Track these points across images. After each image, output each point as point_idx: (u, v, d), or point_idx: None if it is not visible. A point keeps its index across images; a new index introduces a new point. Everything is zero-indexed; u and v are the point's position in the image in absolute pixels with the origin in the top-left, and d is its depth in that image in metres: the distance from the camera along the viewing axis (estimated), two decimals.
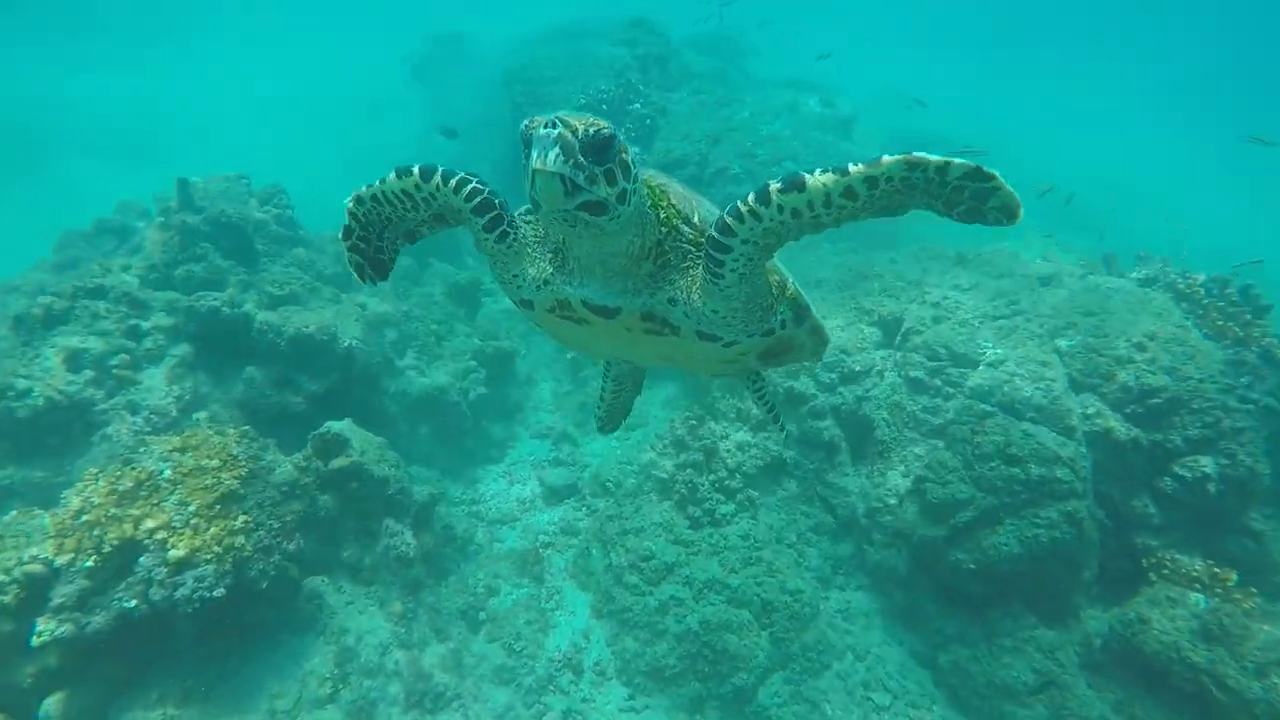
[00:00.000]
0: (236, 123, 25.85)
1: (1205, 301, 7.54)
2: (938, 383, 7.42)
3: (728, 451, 7.80)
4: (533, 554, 7.89)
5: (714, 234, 2.00)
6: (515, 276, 2.34)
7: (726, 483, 7.61)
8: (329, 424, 6.58)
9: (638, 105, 13.88)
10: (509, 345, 10.77)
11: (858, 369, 7.95)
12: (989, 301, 7.84)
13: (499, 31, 21.98)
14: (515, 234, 2.28)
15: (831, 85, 16.79)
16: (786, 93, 15.63)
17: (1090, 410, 6.84)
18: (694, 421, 8.02)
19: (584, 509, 8.70)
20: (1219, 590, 6.01)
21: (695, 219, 2.22)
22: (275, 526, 5.76)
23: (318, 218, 9.86)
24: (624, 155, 1.88)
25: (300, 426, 6.78)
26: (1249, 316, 7.32)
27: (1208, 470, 6.49)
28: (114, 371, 7.01)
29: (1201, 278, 8.06)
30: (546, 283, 2.30)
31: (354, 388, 7.78)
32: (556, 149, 1.75)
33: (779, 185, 1.83)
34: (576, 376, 10.86)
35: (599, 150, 1.81)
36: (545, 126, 1.75)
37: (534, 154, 1.75)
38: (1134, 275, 8.56)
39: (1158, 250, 9.07)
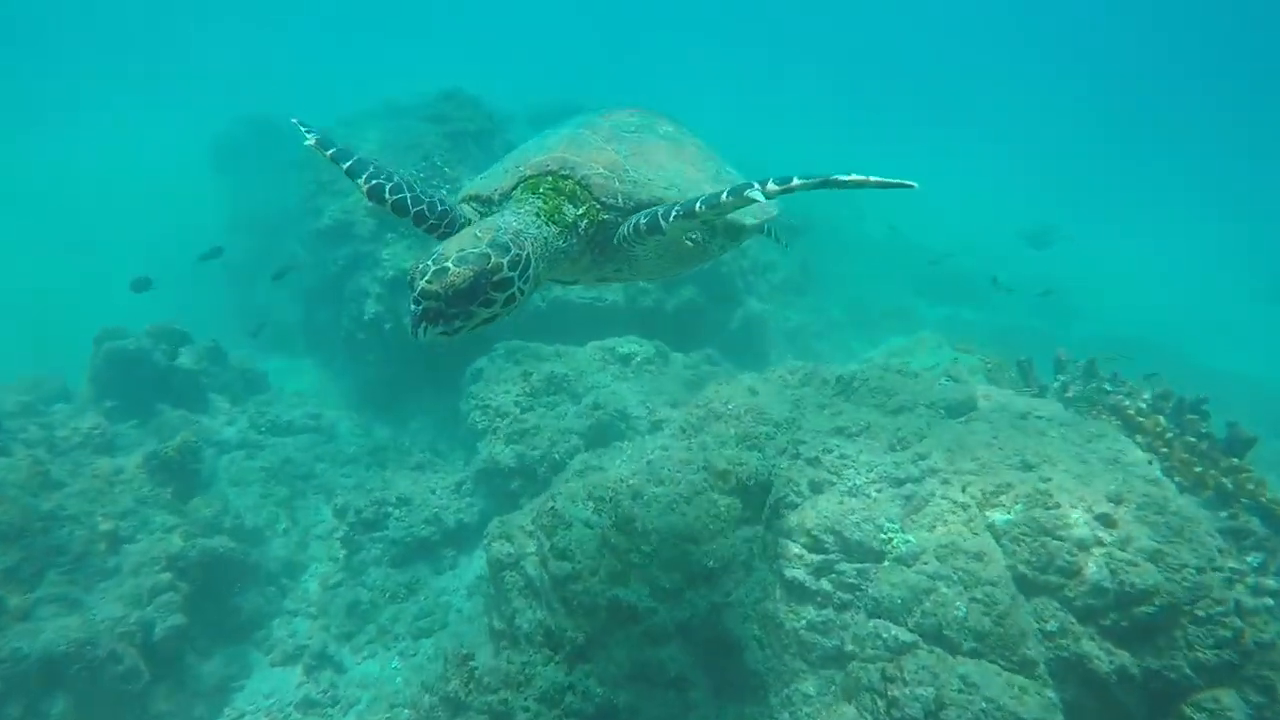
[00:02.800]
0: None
1: (1168, 435, 5.47)
2: (827, 587, 4.96)
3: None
4: None
5: (641, 225, 2.72)
6: None
7: None
8: None
9: (445, 189, 11.46)
10: (252, 522, 7.73)
11: (711, 564, 5.43)
12: (887, 452, 5.51)
13: (311, 113, 19.23)
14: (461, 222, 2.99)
15: None
16: None
17: (1051, 626, 4.51)
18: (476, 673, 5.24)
19: None
20: None
21: (619, 198, 2.84)
22: None
23: None
24: (496, 276, 2.35)
25: None
26: (1229, 458, 5.28)
27: (1234, 716, 4.23)
28: None
29: (1147, 395, 6.08)
30: None
31: None
32: (423, 324, 2.27)
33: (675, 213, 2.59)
34: (350, 563, 7.87)
35: (466, 296, 2.28)
36: (412, 303, 2.26)
37: (414, 328, 2.28)
38: (1060, 391, 6.53)
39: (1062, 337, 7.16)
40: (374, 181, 2.88)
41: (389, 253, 10.21)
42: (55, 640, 5.57)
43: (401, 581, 7.60)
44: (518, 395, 8.35)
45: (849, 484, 5.32)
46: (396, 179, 2.94)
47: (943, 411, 6.02)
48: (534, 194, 2.84)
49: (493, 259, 2.36)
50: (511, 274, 2.40)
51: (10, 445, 6.53)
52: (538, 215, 2.74)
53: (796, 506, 5.30)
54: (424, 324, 2.27)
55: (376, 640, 7.21)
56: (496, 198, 2.99)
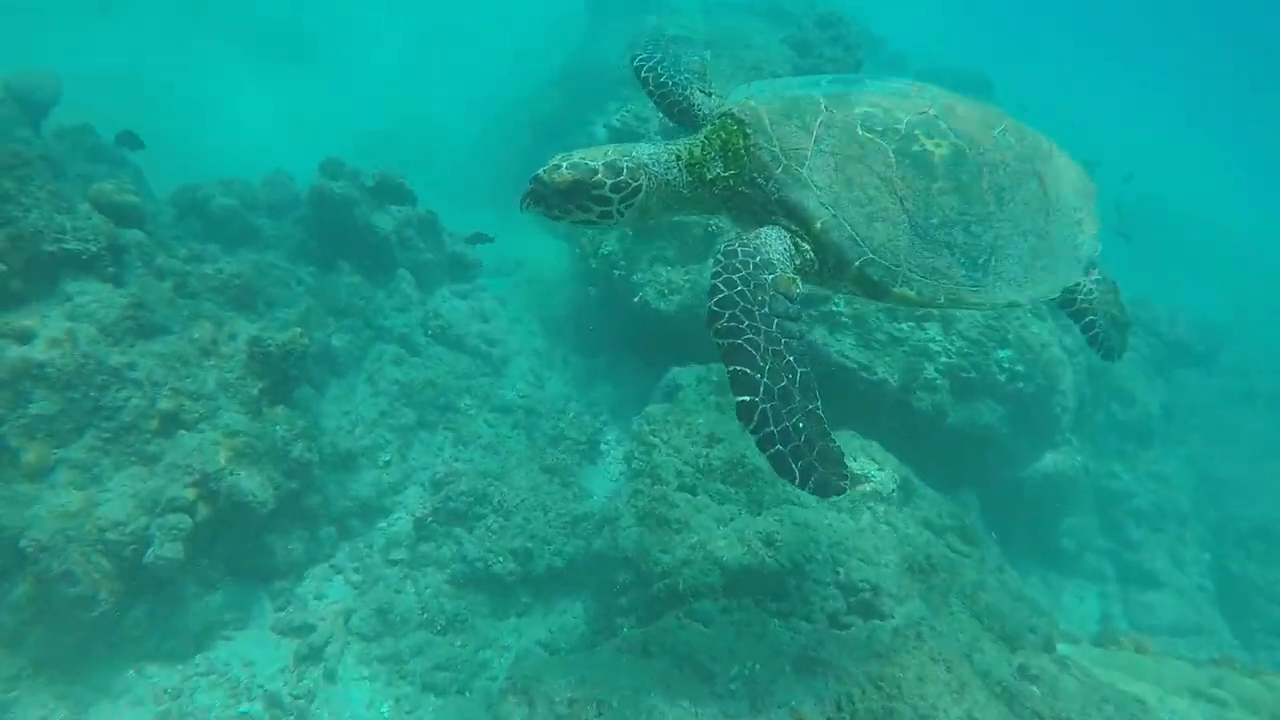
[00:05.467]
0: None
1: None
2: None
3: None
4: None
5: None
6: None
7: None
8: None
9: None
10: (350, 444, 6.59)
11: None
12: None
13: None
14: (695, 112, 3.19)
15: None
16: None
17: None
18: None
19: None
20: None
21: (770, 184, 2.75)
22: None
23: None
24: (596, 191, 2.68)
25: None
26: None
27: None
28: None
29: None
30: None
31: None
32: (528, 199, 2.74)
33: None
34: (416, 550, 6.47)
35: (565, 195, 2.68)
36: (529, 182, 2.73)
37: (521, 199, 2.77)
38: None
39: None
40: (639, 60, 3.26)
41: None
42: (22, 528, 4.66)
43: (448, 610, 6.06)
44: (686, 462, 6.17)
45: None
46: (659, 61, 3.22)
47: None
48: (711, 131, 2.86)
49: (598, 175, 2.68)
50: (612, 195, 2.70)
51: (128, 275, 5.68)
52: (677, 159, 2.82)
53: None
54: (528, 199, 2.74)
55: (385, 663, 5.81)
56: (707, 113, 3.06)
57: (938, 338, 7.36)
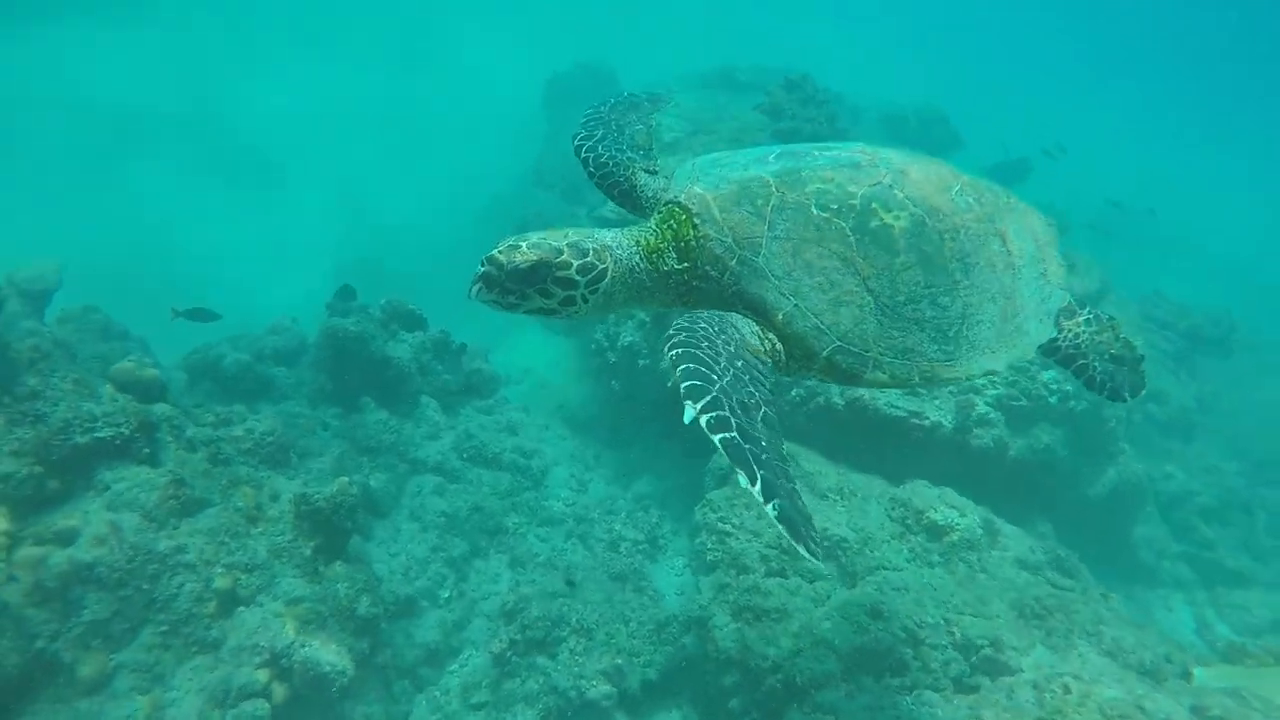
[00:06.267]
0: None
1: None
2: None
3: None
4: None
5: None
6: None
7: None
8: None
9: None
10: (407, 588, 6.24)
11: None
12: None
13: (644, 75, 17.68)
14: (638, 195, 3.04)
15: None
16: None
17: None
18: None
19: None
20: None
21: (726, 276, 2.55)
22: None
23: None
24: (561, 273, 2.43)
25: None
26: None
27: None
28: None
29: None
30: None
31: None
32: (479, 284, 2.42)
33: None
34: (499, 689, 6.07)
35: (525, 277, 2.41)
36: (479, 263, 2.43)
37: (470, 285, 2.44)
38: None
39: None
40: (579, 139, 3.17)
41: None
42: None
43: None
44: (768, 545, 5.90)
45: None
46: (600, 139, 3.13)
47: None
48: (661, 220, 2.70)
49: (564, 255, 2.45)
50: (578, 278, 2.47)
51: (162, 453, 5.43)
52: (638, 244, 2.66)
53: None
54: (479, 285, 2.43)
55: None
56: (652, 197, 2.94)
57: None
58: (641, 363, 8.48)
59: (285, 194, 19.67)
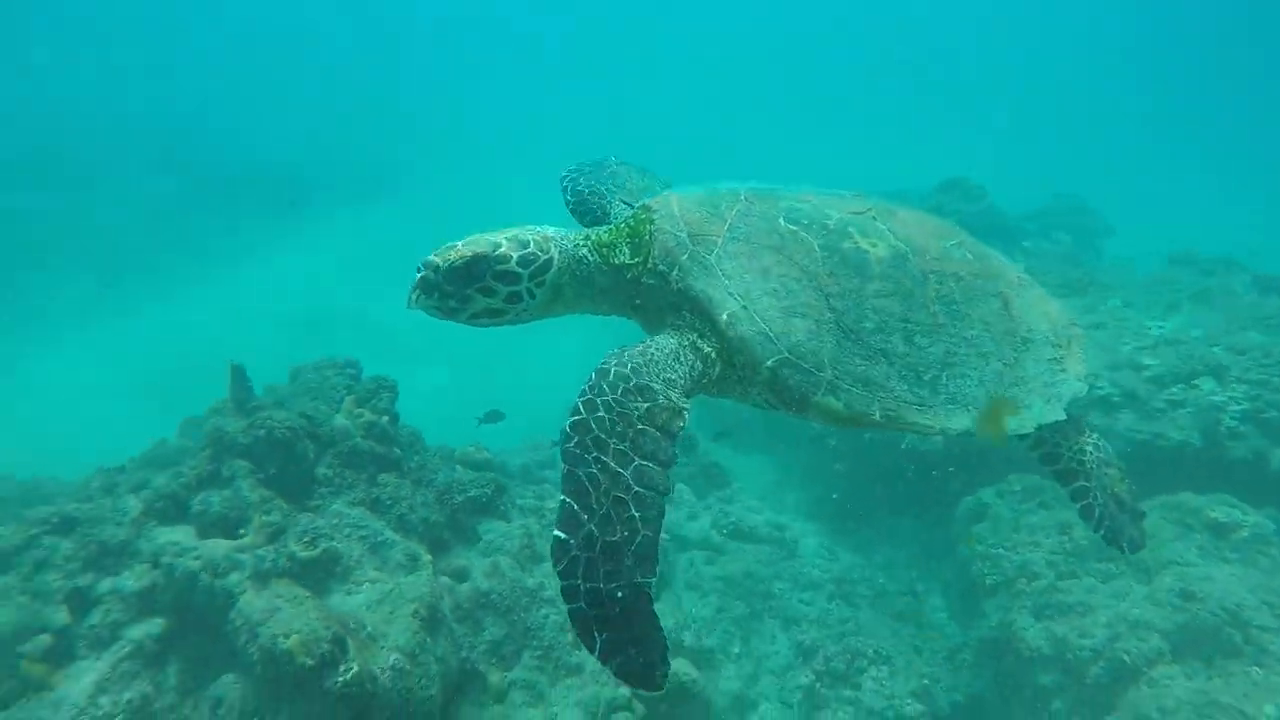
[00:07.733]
0: None
1: None
2: None
3: None
4: None
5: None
6: None
7: None
8: None
9: None
10: (706, 641, 6.81)
11: None
12: None
13: None
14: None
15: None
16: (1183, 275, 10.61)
17: None
18: None
19: None
20: None
21: (674, 272, 2.36)
22: None
23: (437, 427, 7.17)
24: (500, 266, 2.29)
25: None
26: None
27: None
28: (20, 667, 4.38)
29: None
30: None
31: None
32: (417, 291, 2.27)
33: None
34: None
35: (463, 276, 2.26)
36: (417, 270, 2.28)
37: (409, 295, 2.28)
38: None
39: None
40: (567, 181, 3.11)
41: None
42: None
43: None
44: (1053, 552, 6.21)
45: None
46: (589, 173, 3.10)
47: None
48: (623, 219, 2.62)
49: (502, 249, 2.33)
50: (520, 270, 2.34)
51: (510, 511, 6.54)
52: (587, 238, 2.54)
53: None
54: (417, 291, 2.28)
55: None
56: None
57: (1216, 389, 7.47)
58: (868, 436, 9.13)
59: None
